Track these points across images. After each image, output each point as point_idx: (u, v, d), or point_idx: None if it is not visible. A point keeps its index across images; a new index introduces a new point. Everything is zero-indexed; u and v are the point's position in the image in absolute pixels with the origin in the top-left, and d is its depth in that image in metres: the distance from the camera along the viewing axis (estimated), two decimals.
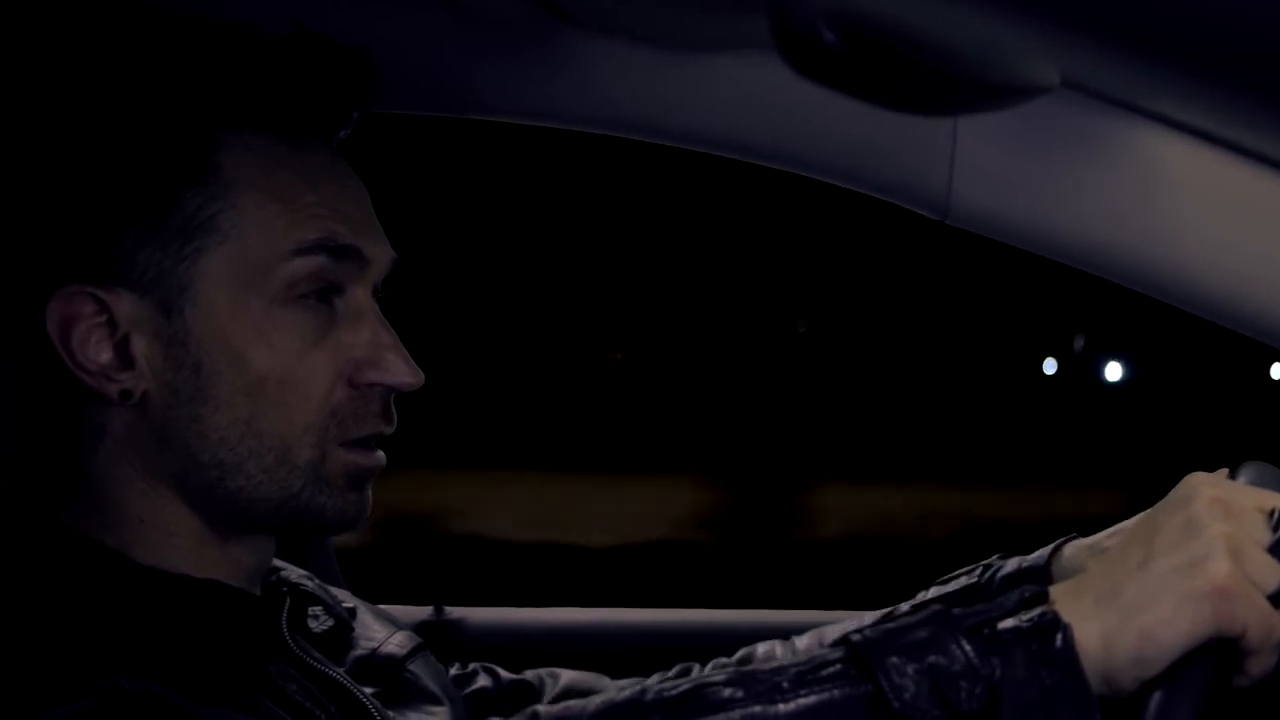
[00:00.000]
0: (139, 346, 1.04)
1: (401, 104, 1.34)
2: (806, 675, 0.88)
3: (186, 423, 1.04)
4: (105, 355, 1.04)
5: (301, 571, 1.23)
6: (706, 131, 1.27)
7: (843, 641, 0.90)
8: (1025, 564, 1.23)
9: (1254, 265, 1.14)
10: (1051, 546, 1.22)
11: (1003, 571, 1.24)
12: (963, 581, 1.27)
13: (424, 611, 1.82)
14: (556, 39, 1.24)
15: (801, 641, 1.37)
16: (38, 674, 0.95)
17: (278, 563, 1.18)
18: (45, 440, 1.09)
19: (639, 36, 1.22)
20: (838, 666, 0.88)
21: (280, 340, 1.05)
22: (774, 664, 0.90)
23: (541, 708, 0.91)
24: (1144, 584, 0.88)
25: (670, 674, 1.39)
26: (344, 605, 1.25)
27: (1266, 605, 0.88)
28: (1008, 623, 0.88)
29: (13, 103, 1.06)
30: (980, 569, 1.26)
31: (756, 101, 1.24)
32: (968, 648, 0.87)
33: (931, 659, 0.87)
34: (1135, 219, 1.17)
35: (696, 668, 1.39)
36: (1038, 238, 1.20)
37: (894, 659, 0.87)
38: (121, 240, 1.03)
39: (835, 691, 0.87)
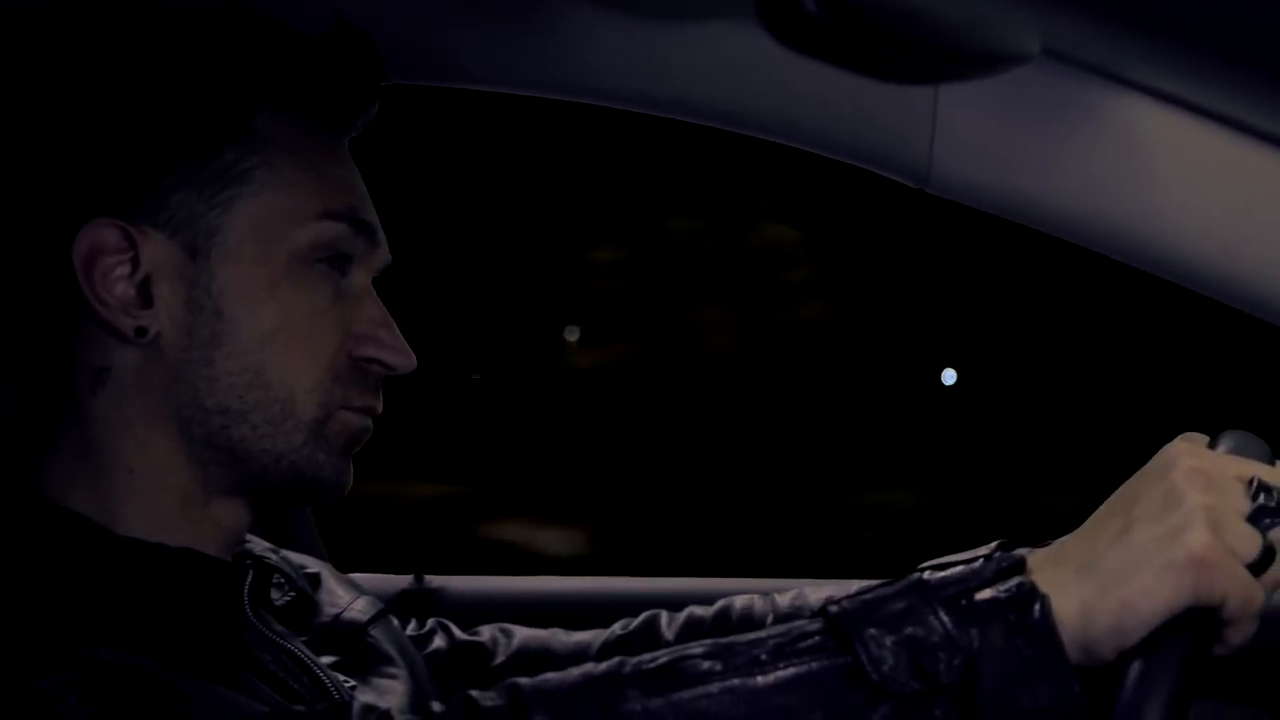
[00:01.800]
0: (161, 286, 1.07)
1: (392, 75, 1.33)
2: (785, 647, 0.88)
3: (199, 366, 1.07)
4: (127, 290, 1.06)
5: (265, 544, 1.24)
6: (687, 100, 1.27)
7: (821, 612, 0.90)
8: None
9: (1235, 235, 1.14)
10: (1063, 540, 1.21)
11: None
12: (960, 571, 1.26)
13: (404, 580, 1.82)
14: (541, 7, 1.23)
15: (783, 599, 1.37)
16: (20, 645, 0.95)
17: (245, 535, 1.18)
18: (42, 384, 1.09)
19: (621, 3, 1.22)
20: (816, 638, 0.88)
21: (296, 297, 1.09)
22: (752, 636, 0.90)
23: (520, 680, 0.90)
24: (1123, 554, 0.88)
25: (635, 623, 1.39)
26: (308, 572, 1.26)
27: (1245, 575, 0.88)
28: (985, 593, 0.88)
29: (82, 54, 1.09)
30: (981, 560, 1.25)
31: (737, 70, 1.23)
32: (945, 619, 0.87)
33: (909, 630, 0.87)
34: (1116, 188, 1.17)
35: (664, 615, 1.39)
36: (1018, 207, 1.20)
37: (872, 630, 0.87)
38: (158, 181, 1.07)
39: (814, 663, 0.87)
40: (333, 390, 1.10)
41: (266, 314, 1.07)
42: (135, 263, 1.06)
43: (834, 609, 0.89)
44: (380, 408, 1.14)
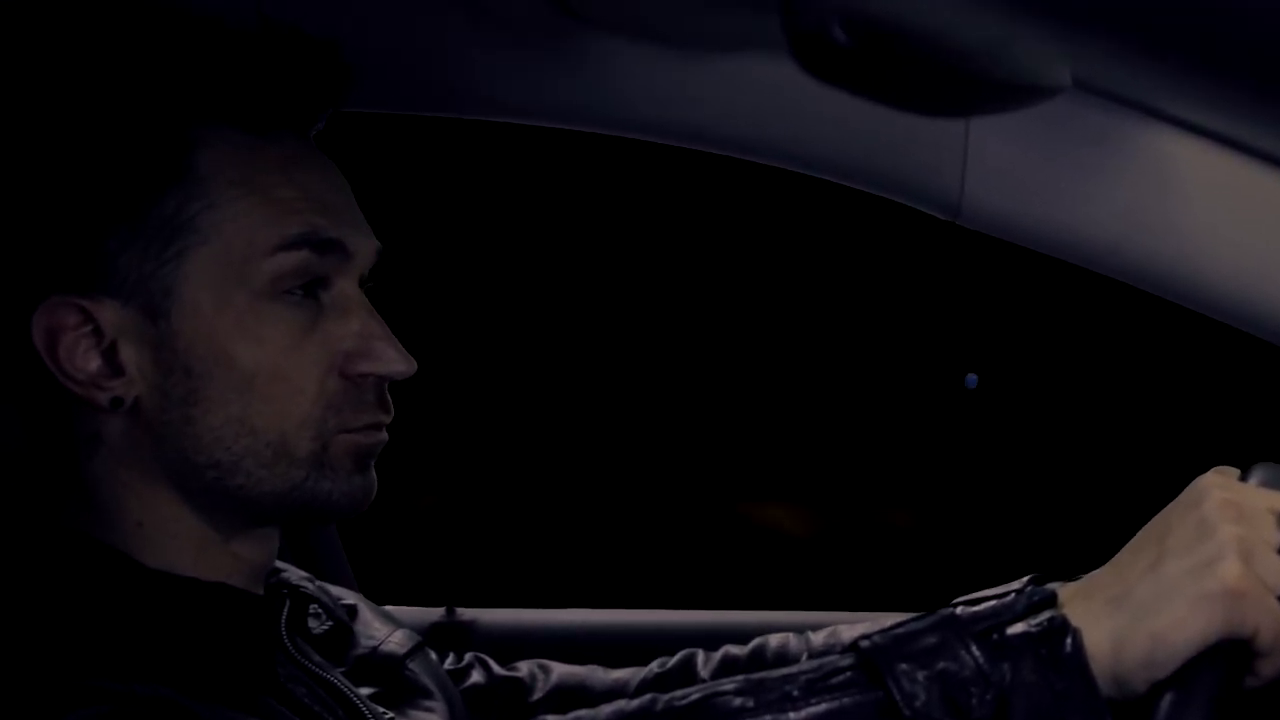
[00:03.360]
0: (127, 353, 1.03)
1: (415, 106, 1.34)
2: (817, 683, 0.88)
3: (180, 425, 1.04)
4: (94, 364, 1.03)
5: (302, 573, 1.22)
6: (717, 132, 1.27)
7: (852, 648, 0.89)
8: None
9: (1265, 265, 1.14)
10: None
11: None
12: (993, 605, 1.25)
13: (436, 613, 1.82)
14: (568, 39, 1.24)
15: (817, 637, 1.37)
16: (53, 678, 0.95)
17: (279, 564, 1.18)
18: (41, 448, 1.08)
19: (650, 36, 1.22)
20: (848, 674, 0.88)
21: (267, 335, 1.04)
22: (784, 671, 0.90)
23: (551, 718, 0.90)
24: (1155, 585, 0.88)
25: (671, 661, 1.38)
26: (344, 603, 1.25)
27: (1277, 606, 0.87)
28: (1017, 627, 0.88)
29: None
30: (1013, 595, 1.24)
31: (767, 102, 1.24)
32: (977, 653, 0.87)
33: (941, 665, 0.86)
34: (1147, 220, 1.17)
35: (700, 653, 1.38)
36: (1049, 239, 1.20)
37: (904, 665, 0.87)
38: (102, 248, 1.02)
39: (846, 699, 0.87)
40: (325, 419, 1.06)
41: (239, 362, 1.04)
42: (98, 334, 1.03)
43: (865, 644, 0.89)
44: (389, 417, 1.10)
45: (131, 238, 1.02)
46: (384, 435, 1.11)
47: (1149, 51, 0.95)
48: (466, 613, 1.83)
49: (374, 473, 1.10)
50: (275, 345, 1.05)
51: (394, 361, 1.08)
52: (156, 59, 1.04)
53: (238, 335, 1.04)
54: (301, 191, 1.07)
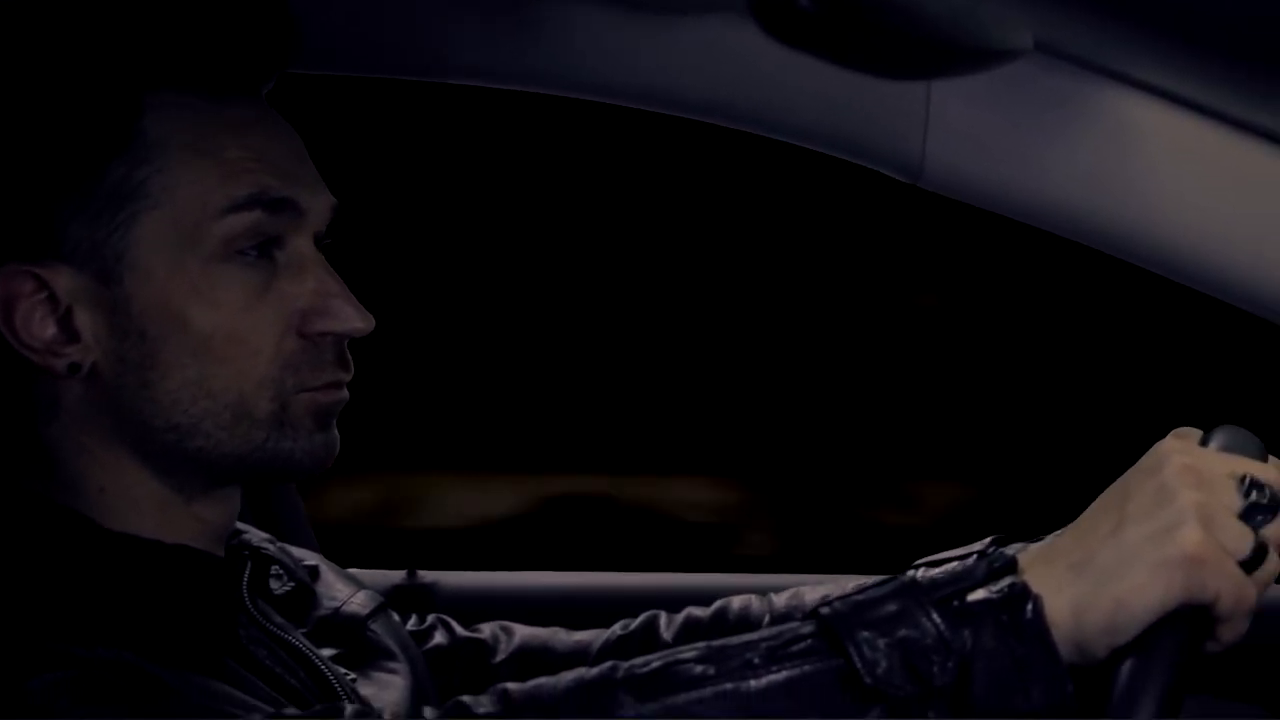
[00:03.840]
0: (82, 319, 1.03)
1: (373, 68, 1.33)
2: (777, 650, 0.88)
3: (136, 389, 1.04)
4: (49, 331, 1.03)
5: (264, 535, 1.22)
6: (678, 95, 1.27)
7: (813, 615, 0.89)
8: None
9: (1229, 230, 1.14)
10: (1055, 535, 1.20)
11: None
12: (955, 568, 1.25)
13: (397, 575, 1.82)
14: (531, 1, 1.23)
15: (779, 599, 1.37)
16: (14, 641, 0.95)
17: (240, 526, 1.17)
18: (4, 411, 1.07)
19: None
20: (809, 641, 0.87)
21: (222, 297, 1.04)
22: (744, 638, 0.90)
23: (512, 685, 0.90)
24: (1116, 552, 0.88)
25: (634, 624, 1.38)
26: (306, 564, 1.25)
27: (1238, 572, 0.88)
28: (978, 594, 0.88)
29: None
30: (975, 555, 1.24)
31: (729, 65, 1.23)
32: (938, 620, 0.86)
33: (902, 633, 0.86)
34: (1109, 183, 1.17)
35: (663, 615, 1.39)
36: (1011, 202, 1.20)
37: (865, 633, 0.86)
38: (53, 215, 1.02)
39: (806, 667, 0.87)
40: (283, 379, 1.06)
41: (193, 324, 1.03)
42: (53, 301, 1.03)
43: (825, 610, 0.88)
44: (348, 375, 1.10)
45: (83, 204, 1.02)
46: (344, 393, 1.10)
47: (1112, 14, 0.95)
48: (427, 575, 1.83)
49: (335, 430, 1.10)
50: (230, 307, 1.04)
51: (351, 319, 1.08)
52: (102, 25, 1.03)
53: (192, 298, 1.03)
54: (252, 152, 1.06)
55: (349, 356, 1.10)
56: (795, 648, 0.88)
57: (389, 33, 1.26)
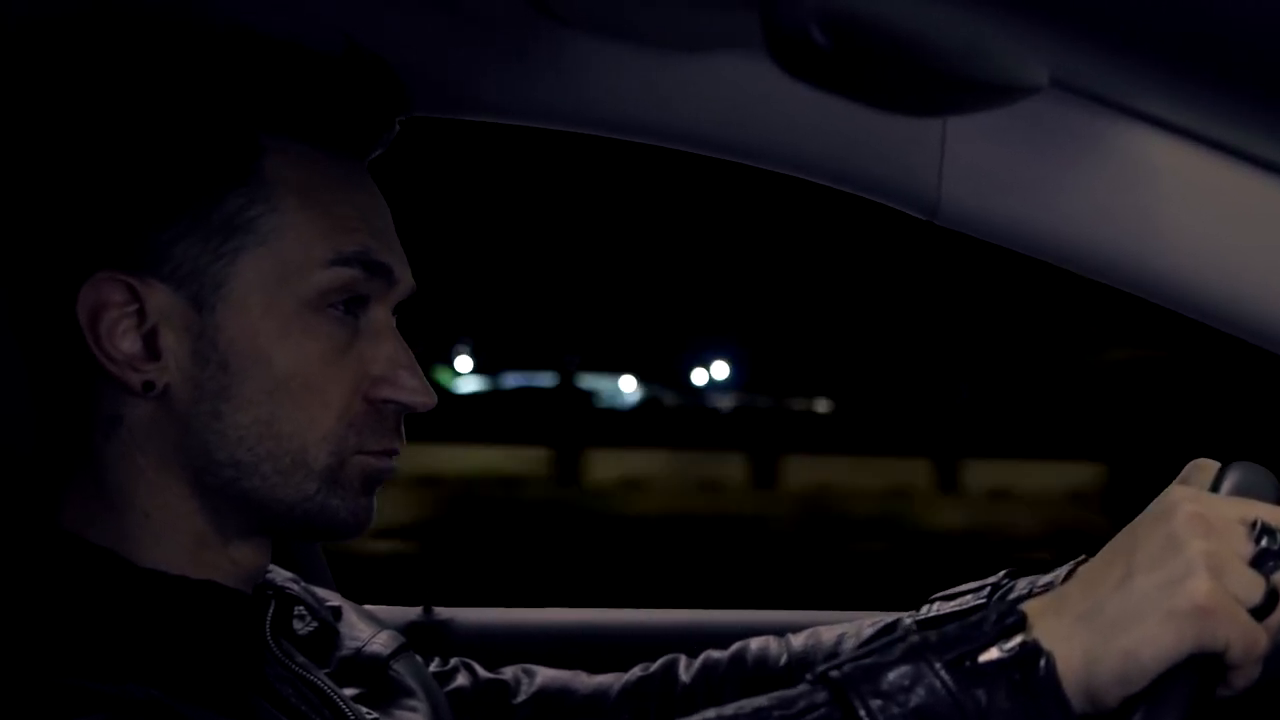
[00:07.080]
0: (167, 339, 1.05)
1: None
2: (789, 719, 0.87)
3: (208, 419, 1.06)
4: (132, 345, 1.05)
5: (287, 574, 1.23)
6: (695, 131, 1.27)
7: (823, 678, 0.88)
8: (1038, 587, 1.21)
9: (1242, 265, 1.14)
10: (1066, 568, 1.20)
11: (1013, 594, 1.21)
12: (969, 601, 1.24)
13: (413, 612, 1.82)
14: (546, 38, 1.23)
15: (797, 640, 1.37)
16: (48, 682, 0.95)
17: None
18: (56, 426, 1.09)
19: (629, 36, 1.22)
20: (821, 710, 0.86)
21: (308, 345, 1.07)
22: (756, 704, 0.88)
23: None
24: (1125, 602, 0.87)
25: (653, 667, 1.39)
26: (329, 605, 1.26)
27: (1248, 620, 0.87)
28: (990, 654, 0.87)
29: (73, 90, 1.07)
30: (989, 589, 1.24)
31: (746, 101, 1.24)
32: (950, 682, 0.86)
33: (916, 702, 0.85)
34: (1124, 219, 1.17)
35: (682, 659, 1.39)
36: (1026, 238, 1.20)
37: (877, 702, 0.85)
38: (161, 232, 1.05)
39: None
40: (346, 437, 1.08)
41: (275, 365, 1.06)
42: (141, 315, 1.05)
43: (835, 675, 0.87)
44: (402, 447, 1.12)
45: (193, 227, 1.05)
46: (395, 464, 1.12)
47: (1127, 50, 0.95)
48: (443, 611, 1.83)
49: (375, 500, 1.12)
50: (313, 356, 1.07)
51: (418, 393, 1.11)
52: (240, 65, 1.07)
53: (279, 339, 1.06)
54: (358, 211, 1.10)
55: (404, 431, 1.12)
56: (809, 717, 0.86)
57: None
